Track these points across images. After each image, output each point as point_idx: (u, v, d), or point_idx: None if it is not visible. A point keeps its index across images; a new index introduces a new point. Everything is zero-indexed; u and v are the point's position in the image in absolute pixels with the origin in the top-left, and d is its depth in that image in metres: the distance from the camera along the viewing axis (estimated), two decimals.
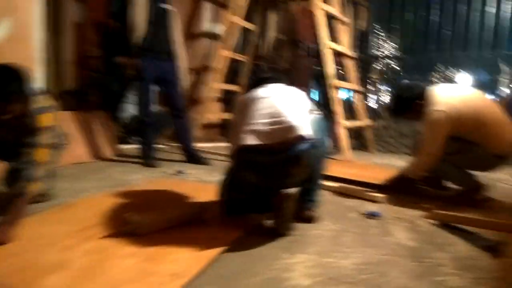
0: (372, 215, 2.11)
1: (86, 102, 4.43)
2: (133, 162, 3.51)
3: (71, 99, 4.44)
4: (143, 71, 3.33)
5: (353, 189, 2.66)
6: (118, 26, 3.61)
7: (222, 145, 4.23)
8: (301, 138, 1.68)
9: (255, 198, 1.83)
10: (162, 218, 1.74)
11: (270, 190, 1.73)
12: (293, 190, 1.72)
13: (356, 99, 4.79)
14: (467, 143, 2.37)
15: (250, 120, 1.75)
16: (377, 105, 5.63)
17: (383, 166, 3.85)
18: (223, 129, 5.82)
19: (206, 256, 1.43)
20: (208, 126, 5.43)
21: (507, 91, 4.59)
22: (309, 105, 2.00)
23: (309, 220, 1.95)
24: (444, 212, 2.13)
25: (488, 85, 4.63)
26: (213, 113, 5.29)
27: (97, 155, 3.70)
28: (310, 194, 1.99)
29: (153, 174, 3.08)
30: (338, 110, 4.03)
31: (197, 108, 5.11)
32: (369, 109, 5.71)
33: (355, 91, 4.80)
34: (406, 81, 2.98)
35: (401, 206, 2.35)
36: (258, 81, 2.13)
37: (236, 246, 1.60)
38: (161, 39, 3.40)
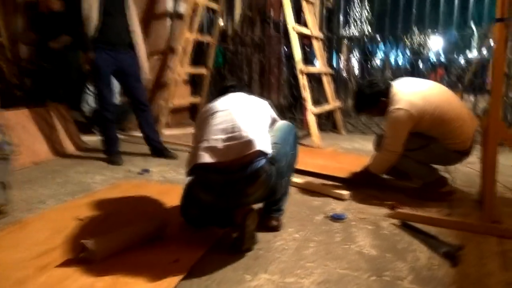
0: (336, 218, 2.12)
1: (37, 96, 4.20)
2: (96, 159, 3.39)
3: (25, 93, 4.20)
4: (98, 65, 3.15)
5: (318, 185, 2.66)
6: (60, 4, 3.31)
7: (190, 131, 4.14)
8: (259, 154, 1.62)
9: (215, 214, 1.79)
10: (121, 239, 1.69)
11: (228, 209, 1.69)
12: (254, 206, 1.69)
13: (325, 81, 4.74)
14: (429, 139, 2.38)
15: (206, 137, 1.68)
16: (348, 81, 5.63)
17: (352, 151, 3.87)
18: (192, 113, 5.71)
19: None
20: (176, 111, 5.30)
21: (476, 55, 4.71)
22: (271, 114, 1.95)
23: (273, 229, 1.94)
24: (407, 211, 2.16)
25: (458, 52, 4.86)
26: (180, 97, 5.14)
27: (59, 152, 3.56)
28: (275, 204, 1.96)
29: (116, 174, 2.99)
30: (307, 95, 3.98)
31: (163, 93, 4.95)
32: (342, 86, 5.68)
33: (323, 73, 4.75)
34: (369, 78, 2.97)
35: (365, 203, 2.37)
36: (221, 90, 2.06)
37: (197, 269, 1.56)
38: (116, 29, 3.19)
